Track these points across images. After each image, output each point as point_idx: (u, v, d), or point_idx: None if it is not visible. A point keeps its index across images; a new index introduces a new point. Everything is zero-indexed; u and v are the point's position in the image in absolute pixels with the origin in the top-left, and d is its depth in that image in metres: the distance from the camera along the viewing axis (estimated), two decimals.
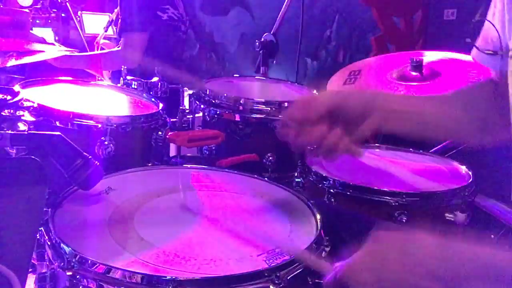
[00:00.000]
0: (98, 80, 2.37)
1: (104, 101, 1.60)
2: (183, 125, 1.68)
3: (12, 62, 1.49)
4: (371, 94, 1.02)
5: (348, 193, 1.38)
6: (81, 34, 3.63)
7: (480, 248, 0.71)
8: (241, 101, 1.63)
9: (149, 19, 2.40)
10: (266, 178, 1.28)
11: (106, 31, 2.93)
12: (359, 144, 1.02)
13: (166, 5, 2.46)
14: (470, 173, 1.51)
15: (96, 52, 2.66)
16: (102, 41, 2.93)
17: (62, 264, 0.85)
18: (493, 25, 1.01)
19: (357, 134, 1.01)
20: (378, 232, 0.78)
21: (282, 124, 1.04)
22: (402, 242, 0.75)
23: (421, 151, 1.74)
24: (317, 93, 1.03)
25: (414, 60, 1.84)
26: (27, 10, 3.37)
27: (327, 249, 0.94)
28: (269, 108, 1.62)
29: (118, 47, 2.48)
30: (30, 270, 0.91)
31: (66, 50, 2.19)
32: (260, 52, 2.30)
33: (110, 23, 2.98)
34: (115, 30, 3.42)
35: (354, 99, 1.01)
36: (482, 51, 1.05)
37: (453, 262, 0.69)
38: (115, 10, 2.71)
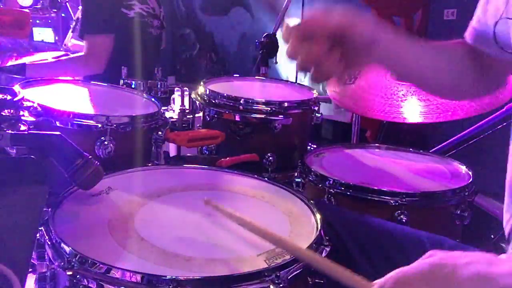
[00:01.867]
0: None
1: (104, 101, 1.60)
2: (183, 125, 1.69)
3: (12, 62, 1.50)
4: (373, 27, 0.97)
5: (348, 193, 1.38)
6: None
7: None
8: (241, 101, 1.63)
9: (114, 19, 2.22)
10: (266, 178, 1.28)
11: (73, 31, 2.76)
12: (349, 75, 0.99)
13: (132, 0, 2.28)
14: (470, 173, 1.51)
15: (57, 59, 2.33)
16: (71, 42, 2.76)
17: (62, 264, 0.85)
18: None
19: (353, 64, 0.96)
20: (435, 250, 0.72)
21: (287, 28, 0.93)
22: (458, 257, 0.69)
23: (421, 151, 1.74)
24: (328, 10, 0.94)
25: None
26: (27, 10, 3.36)
27: (327, 249, 0.94)
28: (269, 108, 1.62)
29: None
30: (30, 270, 0.92)
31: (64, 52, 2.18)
32: (260, 52, 2.30)
33: (76, 22, 2.78)
34: None
35: (362, 26, 0.95)
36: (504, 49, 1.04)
37: None
38: (79, 8, 2.51)
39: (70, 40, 2.78)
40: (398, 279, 0.68)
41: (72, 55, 2.38)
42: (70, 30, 2.68)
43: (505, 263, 0.67)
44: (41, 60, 2.23)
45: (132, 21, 2.27)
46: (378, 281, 0.71)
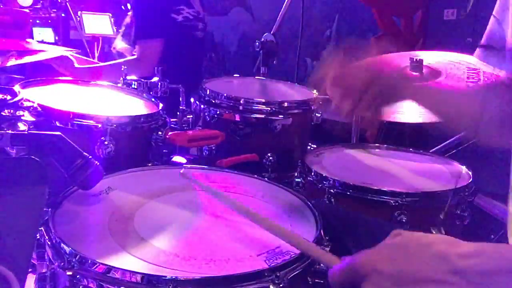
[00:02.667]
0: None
1: (104, 101, 1.60)
2: (183, 125, 1.69)
3: (12, 62, 1.49)
4: (395, 79, 1.06)
5: (348, 193, 1.38)
6: (81, 34, 3.62)
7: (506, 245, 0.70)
8: (241, 101, 1.63)
9: (164, 24, 2.35)
10: (266, 178, 1.28)
11: (122, 34, 2.84)
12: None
13: (181, 5, 2.41)
14: (470, 173, 1.51)
15: (114, 61, 2.54)
16: (120, 46, 2.83)
17: (62, 264, 0.85)
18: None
19: (388, 101, 1.10)
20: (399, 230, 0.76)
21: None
22: (422, 237, 0.72)
23: (421, 151, 1.74)
24: (351, 66, 1.09)
25: (414, 60, 1.84)
26: (27, 10, 3.36)
27: (327, 249, 0.94)
28: (269, 108, 1.62)
29: (134, 55, 2.41)
30: (30, 270, 0.92)
31: (68, 51, 2.18)
32: (260, 52, 2.30)
33: (125, 27, 2.88)
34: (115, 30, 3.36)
35: (388, 73, 1.09)
36: (488, 49, 1.04)
37: (477, 257, 0.66)
38: (129, 14, 2.65)
39: (119, 44, 2.83)
40: (365, 256, 0.71)
41: (125, 59, 2.47)
42: (120, 35, 2.77)
43: (465, 245, 0.68)
44: (43, 58, 2.25)
45: (181, 25, 2.40)
46: (347, 258, 0.74)
